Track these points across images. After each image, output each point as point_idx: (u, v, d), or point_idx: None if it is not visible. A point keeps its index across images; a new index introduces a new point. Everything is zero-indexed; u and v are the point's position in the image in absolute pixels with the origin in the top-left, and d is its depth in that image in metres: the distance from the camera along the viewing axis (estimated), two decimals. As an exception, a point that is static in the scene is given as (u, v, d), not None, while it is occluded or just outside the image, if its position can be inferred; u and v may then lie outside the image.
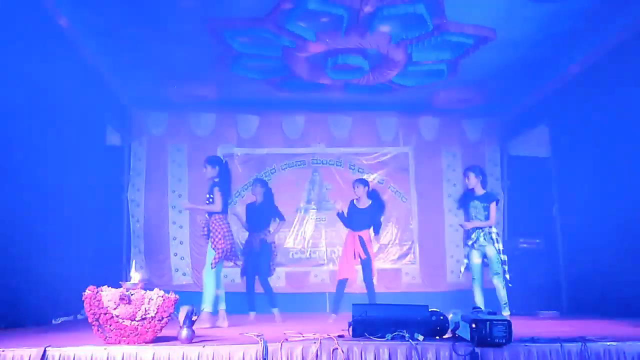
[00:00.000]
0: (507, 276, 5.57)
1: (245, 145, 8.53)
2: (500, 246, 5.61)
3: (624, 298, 5.63)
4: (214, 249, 5.35)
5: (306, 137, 8.62)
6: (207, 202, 5.51)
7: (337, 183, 8.55)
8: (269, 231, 6.45)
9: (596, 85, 6.34)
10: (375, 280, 6.40)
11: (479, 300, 5.60)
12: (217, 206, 5.42)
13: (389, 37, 6.07)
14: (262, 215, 6.49)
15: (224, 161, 5.82)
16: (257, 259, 6.32)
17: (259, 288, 6.33)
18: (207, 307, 5.26)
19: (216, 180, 5.54)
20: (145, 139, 8.36)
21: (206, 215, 5.61)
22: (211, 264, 5.33)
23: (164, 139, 8.40)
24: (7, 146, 4.59)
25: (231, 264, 5.72)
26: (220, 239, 5.35)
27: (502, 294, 5.56)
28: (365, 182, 6.65)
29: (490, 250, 5.58)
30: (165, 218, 8.26)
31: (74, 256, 5.88)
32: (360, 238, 6.36)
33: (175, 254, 8.20)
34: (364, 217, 6.46)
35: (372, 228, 6.47)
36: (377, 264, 8.23)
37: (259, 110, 8.45)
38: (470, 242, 5.69)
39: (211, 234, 5.43)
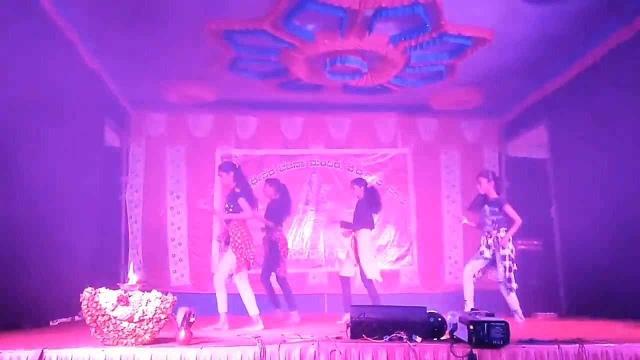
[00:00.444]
0: (514, 285, 5.55)
1: (244, 147, 8.53)
2: (507, 252, 5.59)
3: (622, 299, 5.63)
4: (235, 253, 5.34)
5: (305, 139, 8.63)
6: (228, 211, 5.48)
7: (336, 184, 8.55)
8: (279, 229, 6.42)
9: (594, 87, 6.34)
10: (372, 279, 6.24)
11: (467, 292, 5.59)
12: (249, 213, 5.41)
13: (388, 39, 6.08)
14: (272, 213, 6.45)
15: (237, 166, 5.76)
16: (267, 257, 6.36)
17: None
18: (252, 310, 5.29)
19: (237, 190, 5.50)
20: (143, 140, 8.35)
21: (224, 222, 5.62)
22: (236, 271, 5.32)
23: (162, 140, 8.40)
24: (5, 147, 4.58)
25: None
26: (240, 245, 5.33)
27: (509, 302, 5.58)
28: (360, 182, 6.53)
29: (498, 256, 5.60)
30: (163, 219, 8.26)
31: (71, 257, 5.87)
32: (355, 239, 6.25)
33: (174, 256, 8.20)
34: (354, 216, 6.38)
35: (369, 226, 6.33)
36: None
37: (258, 112, 8.45)
38: (482, 249, 5.70)
39: (231, 240, 5.40)
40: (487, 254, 5.69)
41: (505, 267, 5.57)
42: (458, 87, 7.53)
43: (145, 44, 6.21)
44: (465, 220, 6.07)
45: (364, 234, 6.22)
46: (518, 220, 5.70)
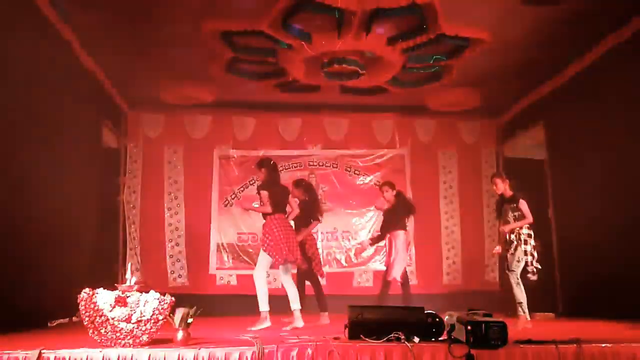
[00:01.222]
0: (517, 278, 5.53)
1: (242, 147, 8.51)
2: (528, 247, 5.57)
3: (619, 299, 5.64)
4: (264, 251, 5.35)
5: (302, 139, 8.63)
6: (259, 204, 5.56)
7: (333, 185, 8.56)
8: (309, 229, 6.30)
9: (592, 87, 6.36)
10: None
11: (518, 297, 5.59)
12: (266, 208, 5.43)
13: (385, 40, 6.07)
14: (302, 214, 6.26)
15: (272, 163, 5.69)
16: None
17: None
18: (262, 307, 5.27)
19: (258, 182, 5.59)
20: (141, 140, 8.34)
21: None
22: (261, 265, 5.35)
23: (160, 140, 8.39)
24: (2, 148, 4.57)
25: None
26: (270, 242, 5.33)
27: (515, 291, 5.57)
28: (392, 185, 6.78)
29: (520, 250, 5.58)
30: (161, 220, 8.24)
31: (69, 258, 5.85)
32: (390, 240, 6.55)
33: (171, 256, 8.18)
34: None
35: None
36: (373, 266, 8.28)
37: (255, 112, 8.45)
38: (509, 246, 5.67)
39: (263, 237, 5.43)
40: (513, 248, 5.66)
41: (518, 258, 5.56)
42: (455, 88, 7.53)
43: (142, 44, 6.21)
44: (498, 248, 6.00)
45: (400, 236, 6.47)
46: (529, 218, 5.69)
